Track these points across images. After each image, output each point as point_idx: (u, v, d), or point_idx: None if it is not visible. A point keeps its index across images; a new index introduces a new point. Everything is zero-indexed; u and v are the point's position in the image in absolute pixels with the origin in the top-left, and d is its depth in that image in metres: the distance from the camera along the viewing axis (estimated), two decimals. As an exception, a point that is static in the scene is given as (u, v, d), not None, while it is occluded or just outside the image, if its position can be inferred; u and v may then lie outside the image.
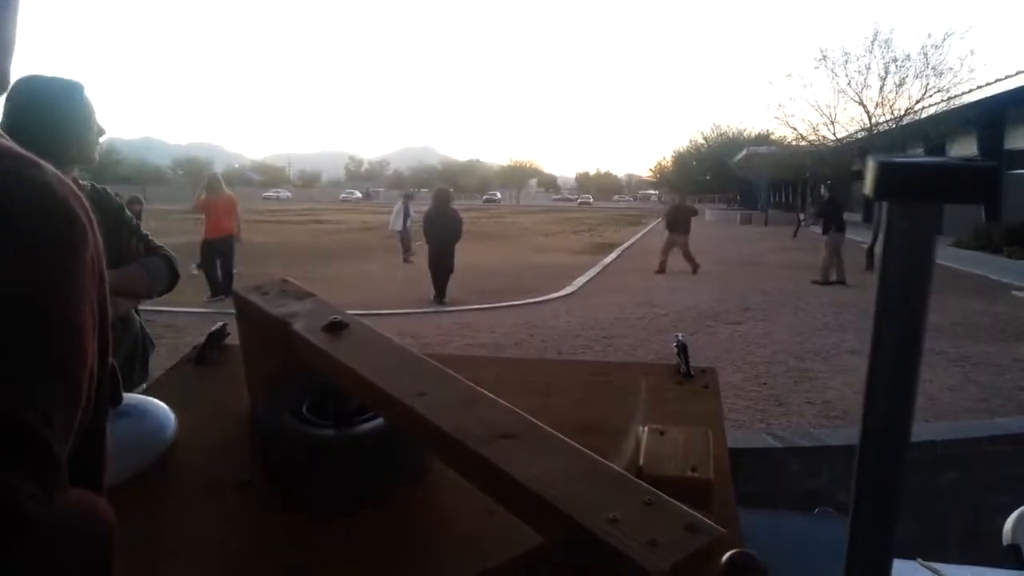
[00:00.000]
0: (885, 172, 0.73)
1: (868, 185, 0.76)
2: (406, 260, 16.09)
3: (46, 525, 0.52)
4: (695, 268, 15.71)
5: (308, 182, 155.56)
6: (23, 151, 0.58)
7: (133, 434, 1.28)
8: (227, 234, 11.27)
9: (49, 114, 1.97)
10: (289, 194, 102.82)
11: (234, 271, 11.15)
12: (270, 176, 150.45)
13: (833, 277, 14.02)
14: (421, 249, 13.41)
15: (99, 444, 0.67)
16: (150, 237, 2.33)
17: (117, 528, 0.62)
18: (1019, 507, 2.00)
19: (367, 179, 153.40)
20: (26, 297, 0.53)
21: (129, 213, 2.30)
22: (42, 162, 0.58)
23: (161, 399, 1.45)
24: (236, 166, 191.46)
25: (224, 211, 11.39)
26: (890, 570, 0.80)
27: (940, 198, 0.75)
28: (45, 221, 0.55)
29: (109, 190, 2.31)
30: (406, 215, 16.42)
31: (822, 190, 16.39)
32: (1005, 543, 1.94)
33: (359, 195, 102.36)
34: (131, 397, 1.41)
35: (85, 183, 2.20)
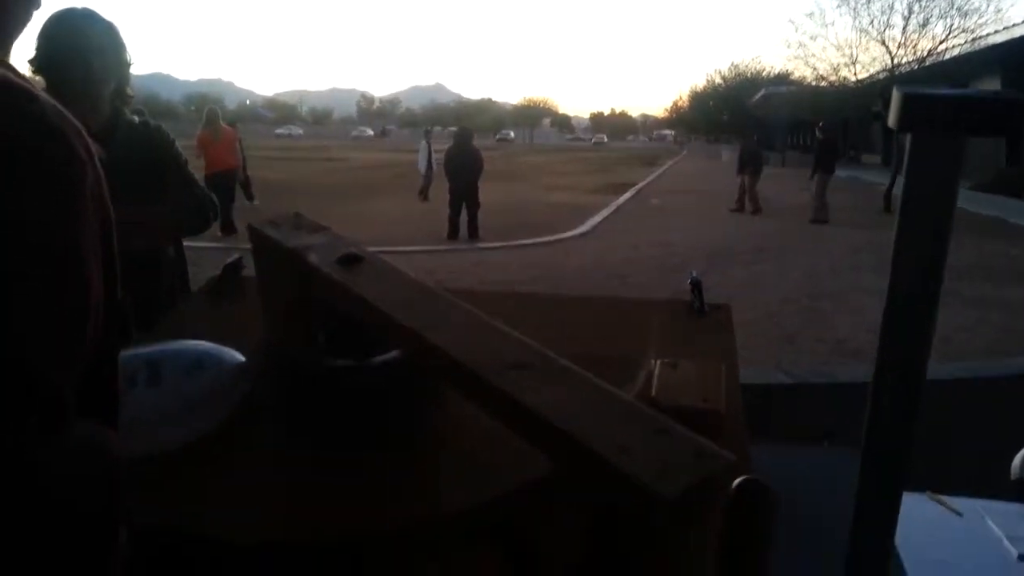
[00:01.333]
0: (910, 103, 0.72)
1: (892, 116, 0.74)
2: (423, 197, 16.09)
3: (50, 464, 0.52)
4: (756, 210, 15.54)
5: (319, 119, 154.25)
6: (23, 83, 0.57)
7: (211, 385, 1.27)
8: (228, 168, 11.14)
9: (76, 46, 1.95)
10: (301, 131, 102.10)
11: (234, 205, 11.07)
12: (282, 113, 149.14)
13: (812, 215, 13.99)
14: (441, 185, 13.32)
15: (111, 377, 0.67)
16: (194, 177, 2.32)
17: (124, 460, 0.63)
18: (1028, 445, 2.01)
19: (378, 117, 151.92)
20: (24, 229, 0.53)
21: (178, 149, 2.29)
22: (40, 94, 0.57)
23: (179, 329, 1.46)
24: (247, 102, 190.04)
25: (224, 146, 11.31)
26: (899, 503, 0.81)
27: (966, 130, 0.74)
28: (42, 154, 0.55)
29: (163, 127, 2.29)
30: (430, 154, 16.32)
31: (816, 131, 16.13)
32: (1013, 478, 1.97)
33: (371, 132, 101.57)
34: (204, 345, 1.38)
35: (135, 118, 2.19)
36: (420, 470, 1.11)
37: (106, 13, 2.05)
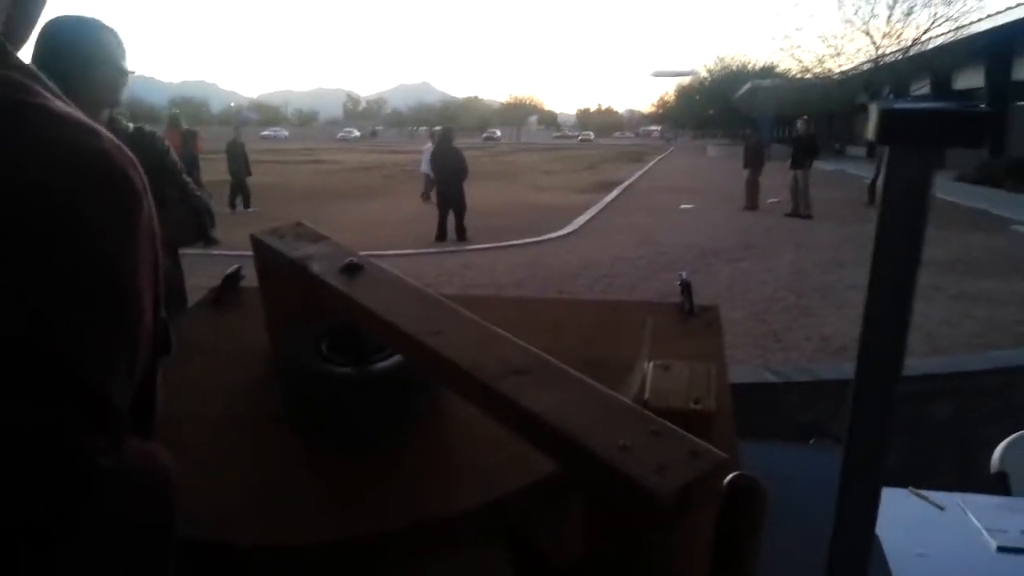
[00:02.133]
0: (886, 118, 0.77)
1: (871, 130, 0.79)
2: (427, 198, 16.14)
3: (115, 476, 0.56)
4: (752, 205, 15.71)
5: (305, 121, 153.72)
6: (82, 117, 0.60)
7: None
8: None
9: (78, 54, 1.95)
10: (286, 133, 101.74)
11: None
12: (267, 115, 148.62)
13: (800, 210, 14.14)
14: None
15: (151, 395, 0.70)
16: (190, 184, 2.34)
17: (176, 475, 0.66)
18: (1008, 437, 2.08)
19: (365, 117, 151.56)
20: (93, 264, 0.56)
21: (173, 157, 2.30)
22: (100, 129, 0.61)
23: (181, 340, 1.49)
24: (232, 104, 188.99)
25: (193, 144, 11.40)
26: (879, 497, 0.86)
27: (938, 143, 0.79)
28: (107, 192, 0.58)
29: (158, 134, 2.31)
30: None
31: (798, 124, 16.26)
32: (993, 471, 2.03)
33: (357, 133, 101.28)
34: None
35: (129, 125, 2.20)
36: (423, 472, 1.15)
37: (87, 13, 2.06)
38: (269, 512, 1.09)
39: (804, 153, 14.67)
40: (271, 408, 1.33)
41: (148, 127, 2.33)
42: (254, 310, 1.54)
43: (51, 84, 0.62)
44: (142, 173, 0.62)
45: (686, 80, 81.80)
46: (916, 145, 0.78)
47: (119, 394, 0.58)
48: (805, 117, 16.50)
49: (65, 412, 0.53)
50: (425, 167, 16.38)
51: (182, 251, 2.45)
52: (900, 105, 0.79)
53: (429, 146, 16.44)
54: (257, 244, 1.46)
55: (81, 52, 1.96)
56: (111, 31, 2.04)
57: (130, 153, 0.62)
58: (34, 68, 0.62)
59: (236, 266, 1.83)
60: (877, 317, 0.82)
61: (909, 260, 0.81)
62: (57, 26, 1.92)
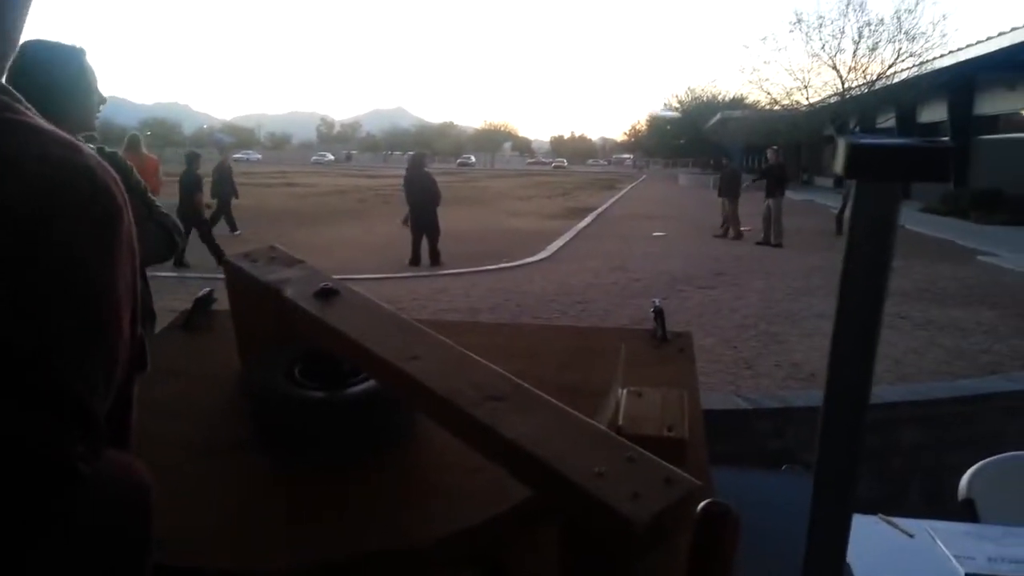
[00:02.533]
0: (853, 152, 0.79)
1: (838, 163, 0.82)
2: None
3: (94, 483, 0.57)
4: (726, 231, 15.94)
5: (278, 144, 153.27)
6: (65, 135, 0.61)
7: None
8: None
9: (50, 79, 1.93)
10: (259, 156, 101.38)
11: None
12: (240, 138, 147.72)
13: (772, 239, 14.34)
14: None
15: (127, 410, 0.71)
16: (156, 203, 2.33)
17: (153, 487, 0.67)
18: (975, 465, 2.11)
19: (339, 141, 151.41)
20: (74, 278, 0.58)
21: (137, 177, 2.29)
22: (83, 146, 0.61)
23: (152, 364, 1.47)
24: (204, 127, 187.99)
25: (150, 172, 11.25)
26: (849, 524, 0.87)
27: (903, 177, 0.81)
28: (89, 207, 0.59)
29: (118, 155, 2.30)
30: None
31: (768, 154, 16.58)
32: (960, 498, 2.06)
33: (331, 157, 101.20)
34: None
35: (92, 147, 2.18)
36: (397, 497, 1.14)
37: (59, 35, 2.05)
38: (240, 537, 1.07)
39: (775, 183, 14.90)
40: (242, 432, 1.31)
41: (108, 148, 2.31)
42: (225, 333, 1.52)
43: (29, 105, 0.63)
44: (123, 190, 0.63)
45: (657, 110, 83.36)
46: (882, 179, 0.81)
47: (98, 405, 0.59)
48: (775, 147, 16.78)
49: (47, 418, 0.54)
50: None
51: (153, 272, 2.44)
52: (867, 140, 0.81)
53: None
54: (230, 267, 1.46)
55: (65, 79, 1.97)
56: (81, 55, 2.05)
57: (112, 170, 0.63)
58: (11, 88, 0.63)
59: (208, 289, 1.82)
60: (844, 348, 0.83)
61: (875, 290, 0.83)
62: (29, 49, 1.91)
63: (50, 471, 0.55)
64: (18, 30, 0.68)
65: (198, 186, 12.38)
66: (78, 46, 2.04)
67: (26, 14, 0.69)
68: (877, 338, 0.80)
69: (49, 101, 1.89)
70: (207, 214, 12.46)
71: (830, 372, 0.81)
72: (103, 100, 2.11)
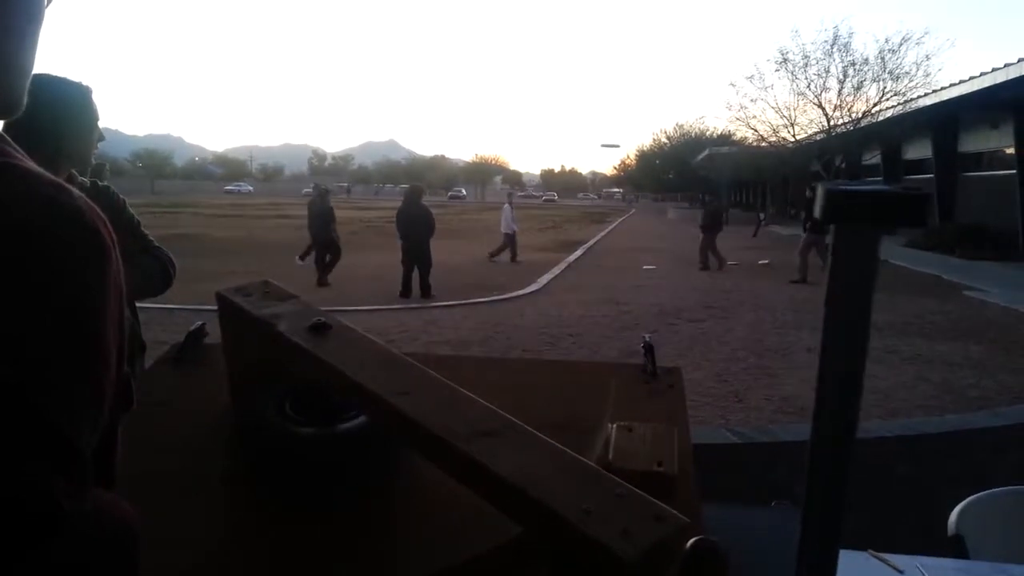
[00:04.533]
0: (832, 199, 0.82)
1: (818, 209, 0.85)
2: (514, 259, 17.06)
3: (79, 520, 0.57)
4: (704, 264, 16.31)
5: (270, 176, 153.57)
6: (53, 178, 0.63)
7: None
8: None
9: (53, 114, 1.91)
10: (251, 188, 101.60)
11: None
12: (232, 169, 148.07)
13: (797, 276, 14.27)
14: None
15: (112, 447, 0.72)
16: (149, 237, 2.33)
17: (139, 525, 0.67)
18: (964, 500, 2.12)
19: (331, 174, 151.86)
20: (62, 317, 0.58)
21: (130, 211, 2.30)
22: (70, 187, 0.63)
23: (143, 398, 1.47)
24: (196, 159, 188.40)
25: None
26: (837, 559, 0.89)
27: (879, 223, 0.84)
28: (77, 246, 0.60)
29: (111, 187, 2.31)
30: (511, 216, 17.35)
31: (807, 191, 16.84)
32: (950, 534, 2.06)
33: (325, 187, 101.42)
34: None
35: (85, 180, 2.19)
36: (386, 533, 1.14)
37: (51, 67, 2.04)
38: (228, 573, 1.07)
39: (808, 215, 14.77)
40: (232, 467, 1.32)
41: (102, 182, 2.33)
42: (217, 367, 1.53)
43: (16, 145, 0.65)
44: (111, 230, 0.64)
45: (646, 144, 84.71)
46: (861, 224, 0.83)
47: (85, 442, 0.59)
48: (812, 185, 16.82)
49: (33, 455, 0.55)
50: (507, 228, 17.33)
51: (145, 304, 2.44)
52: (846, 187, 0.84)
53: (507, 207, 17.56)
54: (223, 301, 1.47)
55: (70, 117, 1.96)
56: (88, 93, 2.03)
57: (99, 210, 0.64)
58: None
59: (200, 323, 1.82)
60: (830, 388, 0.85)
61: (859, 330, 0.85)
62: (46, 86, 1.91)
63: (33, 509, 0.55)
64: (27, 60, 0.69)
65: (331, 216, 13.47)
66: (85, 84, 2.05)
67: (33, 45, 0.70)
68: (862, 377, 0.82)
69: (51, 136, 1.90)
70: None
71: (816, 410, 0.83)
72: (102, 137, 2.12)
